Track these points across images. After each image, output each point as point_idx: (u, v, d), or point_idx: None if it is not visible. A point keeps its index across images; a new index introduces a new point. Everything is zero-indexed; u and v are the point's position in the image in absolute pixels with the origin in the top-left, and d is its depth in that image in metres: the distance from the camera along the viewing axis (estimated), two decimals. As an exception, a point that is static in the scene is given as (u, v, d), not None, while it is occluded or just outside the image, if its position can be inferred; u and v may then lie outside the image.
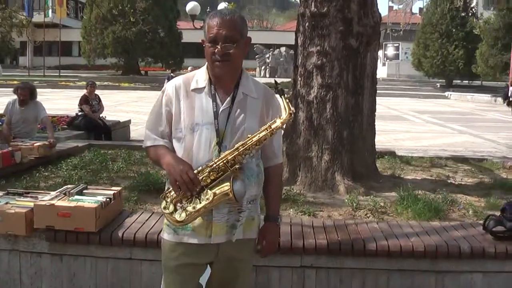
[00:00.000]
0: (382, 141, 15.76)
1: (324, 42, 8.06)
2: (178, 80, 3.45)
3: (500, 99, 30.66)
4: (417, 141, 17.04)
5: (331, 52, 8.02)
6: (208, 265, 3.54)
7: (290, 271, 5.38)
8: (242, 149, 3.19)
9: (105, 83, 45.12)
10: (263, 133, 3.23)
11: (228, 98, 3.34)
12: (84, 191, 5.85)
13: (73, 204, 5.35)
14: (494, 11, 47.17)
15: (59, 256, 5.45)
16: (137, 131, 16.91)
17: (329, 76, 8.03)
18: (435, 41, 52.10)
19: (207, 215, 3.23)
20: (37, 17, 48.13)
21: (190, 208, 3.14)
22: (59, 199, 5.48)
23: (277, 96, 3.40)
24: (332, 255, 5.28)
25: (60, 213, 5.26)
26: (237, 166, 3.18)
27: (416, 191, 7.41)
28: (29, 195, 5.89)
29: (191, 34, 38.68)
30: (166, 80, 25.04)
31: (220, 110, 3.30)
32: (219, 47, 3.21)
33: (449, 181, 8.86)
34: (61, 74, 58.33)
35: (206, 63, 3.39)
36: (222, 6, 25.77)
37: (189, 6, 29.39)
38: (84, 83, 15.97)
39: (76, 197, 5.60)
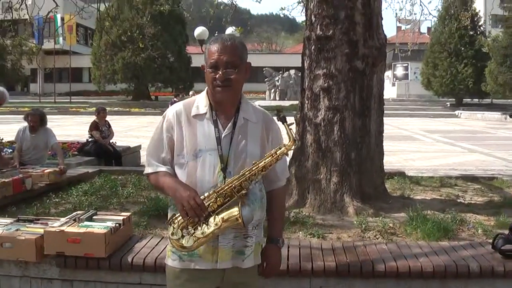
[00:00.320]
0: (392, 161, 15.79)
1: (330, 65, 8.12)
2: (178, 106, 3.45)
3: (510, 118, 30.61)
4: (427, 161, 17.00)
5: (338, 74, 8.08)
6: None
7: (299, 294, 5.37)
8: (248, 175, 3.20)
9: (116, 108, 45.33)
10: (269, 159, 3.25)
11: (230, 124, 3.34)
12: (93, 217, 5.88)
13: (82, 230, 5.39)
14: (502, 28, 47.15)
15: (69, 282, 5.48)
16: (147, 156, 16.90)
17: (336, 99, 8.08)
18: (444, 60, 52.08)
19: (213, 240, 3.23)
20: (47, 44, 48.51)
21: (198, 234, 3.15)
22: (68, 225, 5.52)
23: (280, 123, 3.39)
24: (341, 277, 5.28)
25: (70, 239, 5.30)
26: (243, 191, 3.19)
27: (425, 211, 7.42)
28: (39, 221, 5.92)
29: (200, 59, 38.49)
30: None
31: (223, 135, 3.31)
32: (220, 72, 3.23)
33: (458, 200, 8.85)
34: (72, 101, 58.71)
35: (206, 88, 3.41)
36: (229, 30, 25.87)
37: (197, 31, 29.56)
38: (95, 109, 16.04)
39: (86, 223, 5.63)
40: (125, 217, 5.94)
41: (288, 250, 5.63)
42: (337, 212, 7.83)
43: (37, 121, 10.80)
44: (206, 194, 3.20)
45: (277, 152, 3.27)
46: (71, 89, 64.09)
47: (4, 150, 14.19)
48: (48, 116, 11.70)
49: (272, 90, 56.12)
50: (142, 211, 7.61)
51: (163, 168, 3.42)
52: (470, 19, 42.32)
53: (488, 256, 5.49)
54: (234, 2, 14.63)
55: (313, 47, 8.34)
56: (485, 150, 20.30)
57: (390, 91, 63.00)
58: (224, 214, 3.15)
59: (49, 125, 11.43)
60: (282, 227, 3.71)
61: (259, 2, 15.48)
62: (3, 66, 55.35)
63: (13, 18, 15.02)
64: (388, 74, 62.30)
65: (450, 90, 52.36)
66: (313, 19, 8.37)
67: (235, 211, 3.14)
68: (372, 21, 8.27)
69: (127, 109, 47.07)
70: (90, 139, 14.70)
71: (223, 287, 3.43)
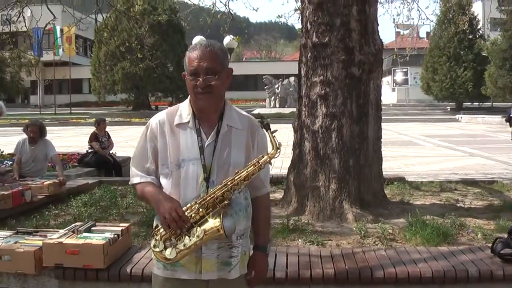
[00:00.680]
0: (392, 167, 15.80)
1: (327, 72, 8.14)
2: (161, 115, 3.40)
3: (506, 122, 30.55)
4: (427, 166, 16.99)
5: (334, 81, 8.10)
6: None
7: (298, 302, 5.37)
8: (230, 184, 3.13)
9: (116, 119, 45.41)
10: (251, 168, 3.19)
11: (213, 132, 3.29)
12: (92, 228, 5.89)
13: (81, 241, 5.40)
14: (501, 32, 47.19)
15: (68, 294, 5.48)
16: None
17: (333, 105, 8.10)
18: (443, 64, 52.08)
19: (196, 251, 3.16)
20: (46, 56, 48.62)
21: (180, 246, 3.11)
22: (67, 237, 5.53)
23: (264, 131, 3.32)
24: (340, 284, 5.28)
25: (69, 251, 5.31)
26: (226, 202, 3.13)
27: (425, 216, 7.43)
28: (38, 233, 5.94)
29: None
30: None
31: (206, 144, 3.26)
32: (200, 79, 3.18)
33: (458, 205, 8.86)
34: (72, 112, 58.82)
35: (189, 96, 3.36)
36: (227, 39, 25.93)
37: (195, 40, 29.54)
38: (94, 120, 16.05)
39: (84, 234, 5.64)
40: (123, 227, 5.94)
41: (287, 258, 5.64)
42: (336, 219, 7.83)
43: (36, 132, 10.79)
44: (188, 205, 3.16)
45: (260, 161, 3.22)
46: (71, 100, 64.31)
47: (4, 163, 14.23)
48: (48, 128, 11.72)
49: (272, 98, 56.16)
50: (141, 222, 7.62)
51: (148, 179, 3.38)
52: (469, 23, 42.43)
53: (487, 260, 5.49)
54: (231, 11, 14.65)
55: (309, 55, 8.36)
56: (486, 153, 20.29)
57: (390, 97, 63.05)
58: (206, 226, 3.10)
59: (49, 136, 11.43)
60: (268, 234, 3.62)
61: (256, 10, 15.54)
62: (3, 79, 55.50)
63: (12, 30, 15.05)
64: (387, 79, 62.47)
65: (450, 94, 52.35)
66: (309, 26, 8.39)
67: (216, 222, 3.08)
68: (367, 28, 8.28)
69: (128, 119, 47.12)
70: (90, 150, 14.69)
71: None
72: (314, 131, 8.19)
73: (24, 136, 11.01)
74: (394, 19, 16.68)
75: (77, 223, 6.23)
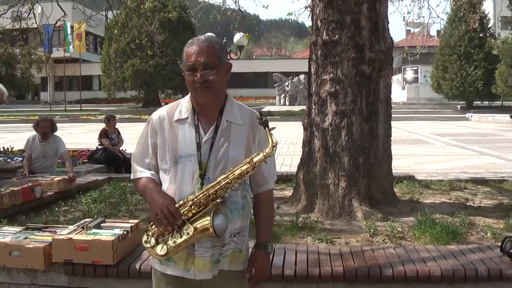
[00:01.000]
0: (402, 165, 15.76)
1: (337, 70, 8.12)
2: (162, 111, 3.42)
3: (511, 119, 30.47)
4: (437, 164, 16.92)
5: (344, 79, 8.08)
6: None
7: (307, 299, 5.37)
8: (223, 182, 3.11)
9: (126, 116, 45.45)
10: (245, 166, 3.15)
11: (212, 128, 3.27)
12: (101, 224, 5.90)
13: (90, 237, 5.41)
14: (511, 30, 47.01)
15: (77, 290, 5.50)
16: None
17: (343, 103, 8.08)
18: (453, 63, 51.96)
19: (188, 248, 3.17)
20: (56, 53, 48.72)
21: (171, 243, 3.11)
22: (76, 233, 5.54)
23: (262, 128, 3.27)
24: (349, 282, 5.27)
25: (78, 247, 5.32)
26: (218, 200, 3.11)
27: (434, 215, 7.38)
28: (47, 229, 5.96)
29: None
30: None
31: (203, 140, 3.25)
32: (198, 74, 3.17)
33: (468, 203, 8.83)
34: (82, 108, 59.00)
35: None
36: (237, 37, 25.93)
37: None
38: (104, 116, 16.09)
39: (94, 230, 5.65)
40: (133, 224, 5.95)
41: (295, 256, 5.64)
42: (346, 217, 7.82)
43: (48, 126, 10.82)
44: (180, 202, 3.15)
45: (254, 159, 3.18)
46: (81, 97, 64.47)
47: (15, 159, 14.28)
48: (58, 124, 11.74)
49: (282, 95, 56.14)
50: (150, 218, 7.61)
51: (147, 174, 3.39)
52: (479, 21, 42.21)
53: (497, 259, 5.46)
54: (241, 9, 14.64)
55: (319, 52, 8.35)
56: (496, 152, 20.20)
57: (400, 95, 62.94)
58: (197, 223, 3.10)
59: (59, 133, 11.46)
60: (270, 231, 3.59)
61: (266, 8, 15.48)
62: (13, 75, 55.71)
63: (22, 27, 15.09)
64: (398, 77, 62.33)
65: (460, 93, 52.22)
66: (319, 24, 8.38)
67: (206, 220, 3.08)
68: (378, 25, 8.27)
69: (137, 116, 47.10)
70: (99, 147, 14.73)
71: None
72: (324, 129, 8.18)
73: (34, 132, 11.02)
74: (404, 17, 16.59)
75: (87, 219, 6.24)
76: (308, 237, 6.80)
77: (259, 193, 3.46)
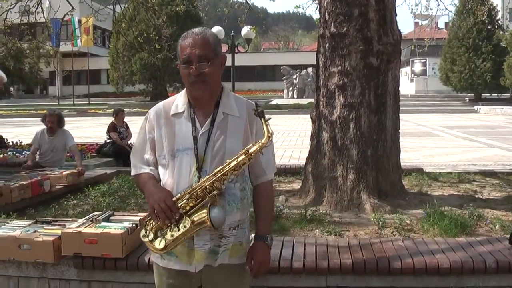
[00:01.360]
0: (410, 157, 15.74)
1: (345, 62, 8.11)
2: (159, 106, 3.41)
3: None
4: (446, 157, 16.89)
5: (352, 71, 8.07)
6: None
7: (316, 292, 5.38)
8: (219, 174, 3.10)
9: (134, 109, 45.51)
10: (241, 157, 3.13)
11: (208, 120, 3.26)
12: (110, 217, 5.92)
13: (99, 230, 5.43)
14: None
15: (87, 283, 5.52)
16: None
17: (351, 96, 8.07)
18: (462, 55, 51.82)
19: (188, 242, 3.17)
20: (64, 47, 48.79)
21: (168, 236, 3.11)
22: (86, 226, 5.56)
23: (258, 119, 3.25)
24: (357, 274, 5.28)
25: (87, 240, 5.34)
26: (215, 192, 3.09)
27: (443, 207, 7.38)
28: (57, 223, 5.98)
29: (217, 58, 38.88)
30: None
31: (200, 133, 3.23)
32: (193, 67, 3.16)
33: (476, 196, 8.82)
34: (90, 102, 59.15)
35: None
36: (245, 30, 25.91)
37: (213, 31, 29.49)
38: (113, 110, 16.13)
39: (103, 223, 5.67)
40: (142, 217, 5.95)
41: (304, 248, 5.64)
42: (354, 209, 7.82)
43: (55, 121, 10.82)
44: (178, 195, 3.14)
45: (250, 150, 3.16)
46: (89, 91, 64.63)
47: (23, 153, 14.32)
48: (67, 118, 11.77)
49: (290, 88, 56.05)
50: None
51: (147, 169, 3.39)
52: (488, 13, 42.11)
53: (505, 251, 5.45)
54: (248, 2, 14.63)
55: (327, 45, 8.34)
56: (504, 145, 20.15)
57: (408, 87, 62.83)
58: (195, 216, 3.10)
59: (68, 127, 11.49)
60: (269, 223, 3.53)
61: (274, 1, 15.50)
62: (21, 70, 55.81)
63: (30, 21, 15.13)
64: (406, 70, 62.21)
65: (468, 85, 52.10)
66: (327, 16, 8.36)
67: (203, 213, 3.07)
68: (386, 18, 8.24)
69: (146, 110, 46.76)
70: (108, 141, 14.77)
71: (205, 286, 3.35)
72: (332, 121, 8.17)
73: (43, 126, 11.06)
74: (412, 9, 16.61)
75: (96, 213, 6.26)
76: (317, 230, 6.81)
77: (258, 185, 3.44)
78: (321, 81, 8.46)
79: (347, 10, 8.14)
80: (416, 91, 62.96)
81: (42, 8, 13.95)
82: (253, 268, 3.35)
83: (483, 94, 54.78)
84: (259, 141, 3.19)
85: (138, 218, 5.91)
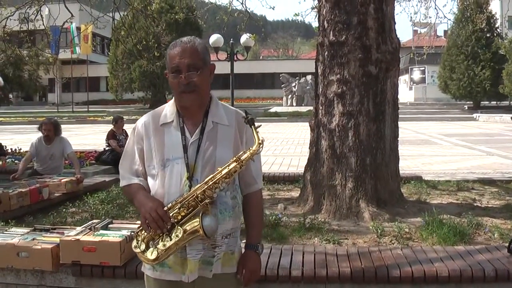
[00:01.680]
0: (409, 165, 15.73)
1: (344, 70, 8.13)
2: (147, 117, 3.39)
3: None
4: (444, 165, 16.87)
5: (351, 80, 8.08)
6: None
7: (314, 300, 5.37)
8: (211, 183, 3.09)
9: (133, 117, 45.42)
10: (233, 165, 3.12)
11: (198, 129, 3.25)
12: (109, 225, 5.91)
13: (98, 238, 5.42)
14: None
15: (85, 291, 5.51)
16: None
17: (350, 104, 8.08)
18: (461, 63, 51.91)
19: (181, 252, 3.14)
20: (64, 54, 48.84)
21: (160, 246, 3.08)
22: (84, 234, 5.55)
23: (248, 127, 3.25)
24: (356, 283, 5.26)
25: (86, 248, 5.33)
26: (207, 201, 3.07)
27: (442, 215, 7.36)
28: (55, 230, 5.97)
29: (216, 66, 38.92)
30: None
31: (190, 142, 3.22)
32: (182, 76, 3.14)
33: (475, 204, 8.83)
34: (89, 110, 59.17)
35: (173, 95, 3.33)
36: (244, 37, 25.95)
37: (212, 38, 29.74)
38: (112, 117, 16.15)
39: (101, 231, 5.66)
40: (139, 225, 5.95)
41: (303, 256, 5.63)
42: (353, 217, 7.83)
43: (51, 129, 10.80)
44: (169, 205, 3.12)
45: (241, 158, 3.15)
46: (88, 98, 64.64)
47: (22, 160, 14.32)
48: (66, 126, 11.79)
49: (289, 96, 56.18)
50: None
51: (136, 180, 3.36)
52: (486, 21, 42.15)
53: (504, 260, 5.44)
54: (248, 10, 14.65)
55: (326, 53, 8.36)
56: (503, 153, 20.14)
57: (407, 95, 62.90)
58: (187, 225, 3.07)
59: (66, 134, 11.49)
60: (260, 232, 3.54)
61: (273, 9, 15.48)
62: (21, 77, 55.78)
63: (29, 29, 15.14)
64: (405, 78, 62.27)
65: (467, 93, 52.18)
66: (326, 24, 8.38)
67: (195, 222, 3.05)
68: (385, 26, 8.26)
69: (145, 118, 47.20)
70: (107, 148, 14.78)
71: None
72: (331, 129, 8.18)
73: (40, 134, 11.04)
74: (411, 17, 16.57)
75: (94, 221, 6.26)
76: (315, 238, 6.81)
77: (248, 194, 3.43)
78: (320, 89, 8.48)
79: (346, 18, 8.16)
80: (415, 99, 63.05)
81: (41, 15, 13.96)
82: (245, 277, 3.34)
83: (482, 102, 54.85)
84: (250, 148, 3.18)
85: (136, 226, 5.88)
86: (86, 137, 29.31)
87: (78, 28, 40.40)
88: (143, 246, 3.15)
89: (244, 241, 3.46)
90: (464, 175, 12.52)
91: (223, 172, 3.11)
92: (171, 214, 3.08)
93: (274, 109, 51.18)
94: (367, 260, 5.51)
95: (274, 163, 16.80)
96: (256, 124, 3.22)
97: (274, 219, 7.35)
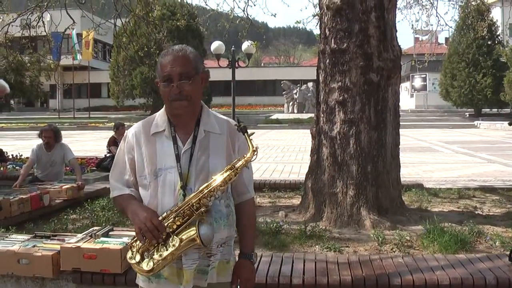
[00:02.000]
0: (410, 173, 15.72)
1: (345, 78, 8.13)
2: (137, 126, 3.35)
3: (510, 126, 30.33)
4: (446, 172, 16.87)
5: (352, 87, 8.09)
6: None
7: (315, 308, 5.35)
8: (206, 191, 3.04)
9: (134, 123, 45.59)
10: (227, 173, 3.08)
11: (190, 138, 3.20)
12: (110, 232, 5.91)
13: (98, 246, 5.42)
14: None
15: (86, 298, 5.50)
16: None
17: (351, 112, 8.08)
18: (462, 70, 51.95)
19: (176, 262, 3.08)
20: (65, 60, 48.88)
21: (156, 256, 3.01)
22: (85, 241, 5.55)
23: (241, 134, 3.21)
24: (357, 291, 5.26)
25: (86, 255, 5.33)
26: (202, 209, 3.03)
27: (443, 223, 7.37)
28: (56, 237, 5.96)
29: (217, 73, 38.98)
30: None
31: (182, 152, 3.17)
32: (174, 85, 3.10)
33: (476, 212, 8.82)
34: (90, 116, 59.22)
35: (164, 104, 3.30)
36: (245, 45, 25.98)
37: (214, 45, 29.73)
38: (113, 124, 16.17)
39: (102, 239, 5.66)
40: (141, 232, 5.94)
41: (304, 264, 5.63)
42: (354, 225, 7.82)
43: (51, 136, 10.78)
44: (164, 215, 3.06)
45: (236, 165, 3.11)
46: (90, 105, 64.72)
47: (23, 166, 14.31)
48: (67, 132, 11.79)
49: (290, 103, 56.18)
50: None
51: (127, 191, 3.30)
52: (488, 29, 42.18)
53: (505, 268, 5.44)
54: (249, 17, 14.65)
55: (327, 61, 8.36)
56: (504, 160, 20.13)
57: (408, 102, 62.89)
58: (183, 235, 3.02)
59: (68, 140, 11.49)
60: (253, 241, 3.49)
61: (275, 16, 15.50)
62: (22, 83, 55.76)
63: (31, 35, 15.15)
64: (406, 85, 62.27)
65: (468, 101, 52.20)
66: (327, 32, 8.39)
67: (192, 231, 3.00)
68: (386, 34, 8.27)
69: (146, 124, 47.24)
70: (108, 155, 14.78)
71: None
72: (332, 137, 8.18)
73: (40, 141, 11.02)
74: (412, 25, 16.62)
75: (95, 228, 6.25)
76: (316, 246, 6.80)
77: (241, 202, 3.39)
78: (321, 97, 8.48)
79: (347, 26, 8.17)
80: (416, 106, 63.02)
81: (43, 21, 13.96)
82: (240, 286, 3.30)
83: (483, 109, 54.86)
84: (244, 155, 3.15)
85: (137, 233, 5.89)
86: (87, 143, 29.28)
87: (80, 35, 40.46)
88: (138, 257, 3.08)
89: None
90: (465, 183, 12.52)
91: (218, 180, 3.06)
92: (166, 224, 3.03)
93: (275, 116, 51.23)
94: (368, 268, 5.51)
95: (275, 170, 16.80)
96: (249, 131, 3.20)
97: (275, 227, 7.34)
